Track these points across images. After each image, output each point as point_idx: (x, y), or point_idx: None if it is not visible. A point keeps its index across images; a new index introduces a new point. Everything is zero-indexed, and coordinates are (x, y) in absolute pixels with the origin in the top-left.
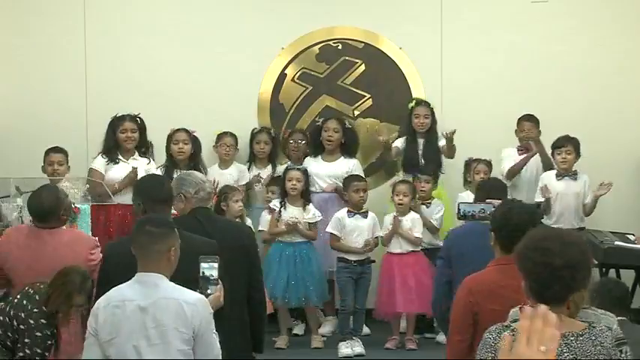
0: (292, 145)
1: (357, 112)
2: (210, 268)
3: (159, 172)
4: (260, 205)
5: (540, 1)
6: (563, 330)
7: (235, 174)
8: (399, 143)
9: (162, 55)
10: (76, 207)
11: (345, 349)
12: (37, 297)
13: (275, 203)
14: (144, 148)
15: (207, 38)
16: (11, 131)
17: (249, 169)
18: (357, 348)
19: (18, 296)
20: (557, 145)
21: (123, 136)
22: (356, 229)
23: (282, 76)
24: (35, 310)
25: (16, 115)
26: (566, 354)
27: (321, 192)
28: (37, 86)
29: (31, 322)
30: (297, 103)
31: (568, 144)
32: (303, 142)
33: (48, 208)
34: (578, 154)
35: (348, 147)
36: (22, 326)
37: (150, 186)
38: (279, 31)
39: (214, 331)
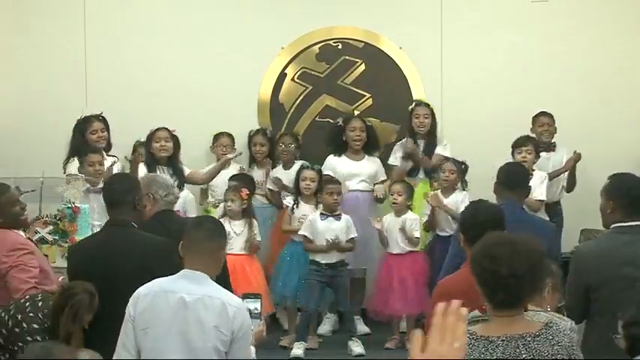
0: (281, 149)
1: (357, 112)
2: (253, 303)
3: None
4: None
5: (540, 1)
6: (520, 331)
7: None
8: (397, 160)
9: (162, 55)
10: (76, 207)
11: (297, 349)
12: (40, 303)
13: (289, 200)
14: (109, 148)
15: (207, 38)
16: (11, 131)
17: (249, 170)
18: (358, 349)
19: (24, 299)
20: (517, 144)
21: (94, 137)
22: (328, 232)
23: (282, 75)
24: (31, 314)
25: (16, 115)
26: (524, 355)
27: (354, 191)
28: (37, 86)
29: (25, 325)
30: (297, 102)
31: (528, 143)
32: (293, 145)
33: None
34: (537, 154)
35: (370, 145)
36: (16, 329)
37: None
38: (279, 31)
39: (250, 341)
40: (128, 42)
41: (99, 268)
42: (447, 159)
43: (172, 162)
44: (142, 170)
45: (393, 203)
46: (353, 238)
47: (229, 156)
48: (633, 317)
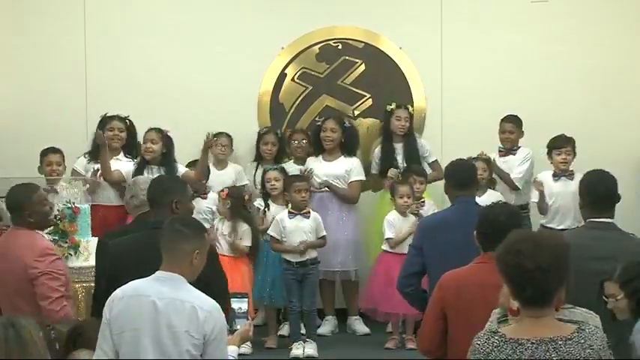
0: (295, 145)
1: (357, 112)
2: (239, 302)
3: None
4: None
5: (540, 1)
6: (551, 334)
7: (233, 175)
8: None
9: (162, 55)
10: (75, 207)
11: (296, 350)
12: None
13: (260, 202)
14: (132, 150)
15: (207, 38)
16: (11, 131)
17: (255, 169)
18: (309, 350)
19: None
20: (556, 146)
21: (110, 134)
22: (296, 230)
23: (282, 75)
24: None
25: (16, 115)
26: (554, 358)
27: (317, 191)
28: (37, 86)
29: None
30: (297, 102)
31: (567, 145)
32: (305, 141)
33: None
34: (575, 154)
35: (347, 146)
36: None
37: None
38: (279, 31)
39: (226, 342)
40: (128, 42)
41: (140, 270)
42: (476, 158)
43: (164, 162)
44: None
45: (404, 205)
46: (324, 236)
47: (206, 141)
48: (628, 274)
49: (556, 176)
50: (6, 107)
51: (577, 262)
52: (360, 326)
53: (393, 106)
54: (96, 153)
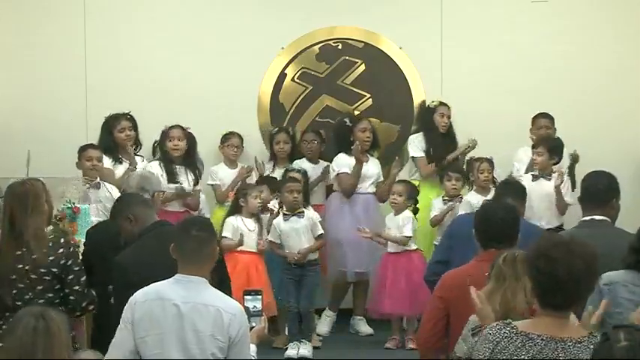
0: (305, 147)
1: (357, 112)
2: (253, 301)
3: (157, 169)
4: None
5: (540, 1)
6: (563, 334)
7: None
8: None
9: (162, 55)
10: (75, 207)
11: (291, 350)
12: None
13: (274, 204)
14: (138, 146)
15: (207, 38)
16: (11, 131)
17: (272, 169)
18: (304, 350)
19: None
20: (533, 146)
21: (122, 135)
22: (292, 232)
23: (282, 75)
24: None
25: (16, 115)
26: (561, 357)
27: (365, 193)
28: (37, 86)
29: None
30: (297, 102)
31: (539, 145)
32: (316, 141)
33: None
34: (552, 155)
35: (374, 146)
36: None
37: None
38: (279, 31)
39: (250, 345)
40: (128, 42)
41: (158, 272)
42: (480, 159)
43: (187, 160)
44: (156, 168)
45: (393, 203)
46: (321, 234)
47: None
48: None
49: (535, 177)
50: (6, 107)
51: None
52: (364, 327)
53: (437, 102)
54: (115, 155)
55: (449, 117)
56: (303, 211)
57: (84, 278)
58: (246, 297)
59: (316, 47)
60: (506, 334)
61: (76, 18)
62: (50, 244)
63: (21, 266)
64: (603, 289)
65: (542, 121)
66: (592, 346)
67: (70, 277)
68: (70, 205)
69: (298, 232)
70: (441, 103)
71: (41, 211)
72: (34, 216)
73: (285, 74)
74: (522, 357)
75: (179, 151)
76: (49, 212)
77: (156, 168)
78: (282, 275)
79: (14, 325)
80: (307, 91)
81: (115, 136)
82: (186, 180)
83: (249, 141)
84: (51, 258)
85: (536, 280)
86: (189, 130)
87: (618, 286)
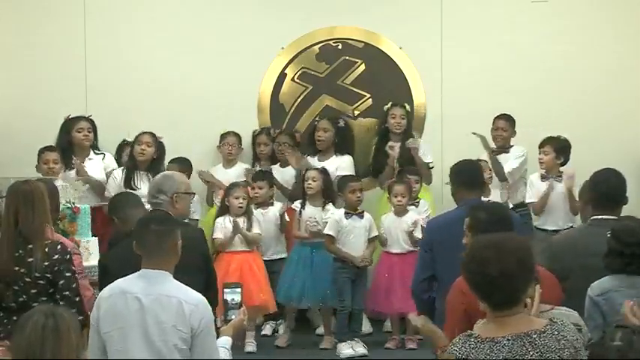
0: (278, 148)
1: (357, 112)
2: (231, 294)
3: (115, 165)
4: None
5: (540, 1)
6: (525, 329)
7: (241, 173)
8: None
9: (162, 55)
10: (75, 207)
11: (347, 349)
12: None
13: (296, 204)
14: (97, 146)
15: (207, 38)
16: (11, 131)
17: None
18: (359, 348)
19: None
20: (539, 146)
21: (80, 135)
22: (353, 231)
23: (282, 75)
24: None
25: (16, 115)
26: (531, 353)
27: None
28: (37, 86)
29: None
30: (297, 102)
31: (545, 144)
32: (287, 144)
33: None
34: (559, 155)
35: (340, 145)
36: None
37: None
38: (279, 31)
39: (215, 335)
40: (128, 42)
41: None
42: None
43: (153, 167)
44: (118, 173)
45: (397, 205)
46: (376, 236)
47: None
48: None
49: (543, 177)
50: (6, 107)
51: (579, 259)
52: (363, 326)
53: (389, 104)
54: (67, 158)
55: (402, 117)
56: (363, 212)
57: (75, 285)
58: (225, 290)
59: (316, 47)
60: (472, 346)
61: (76, 18)
62: (47, 250)
63: (17, 268)
64: (598, 300)
65: (499, 123)
66: (556, 332)
67: (61, 282)
68: (70, 205)
69: (359, 231)
70: (394, 105)
71: (44, 210)
72: (38, 215)
73: (285, 74)
74: None
75: (144, 157)
76: (54, 214)
77: (118, 173)
78: (337, 275)
79: (24, 323)
80: (307, 91)
81: (73, 135)
82: (145, 187)
83: (249, 141)
84: (46, 263)
85: (472, 283)
86: (161, 140)
87: (613, 294)
